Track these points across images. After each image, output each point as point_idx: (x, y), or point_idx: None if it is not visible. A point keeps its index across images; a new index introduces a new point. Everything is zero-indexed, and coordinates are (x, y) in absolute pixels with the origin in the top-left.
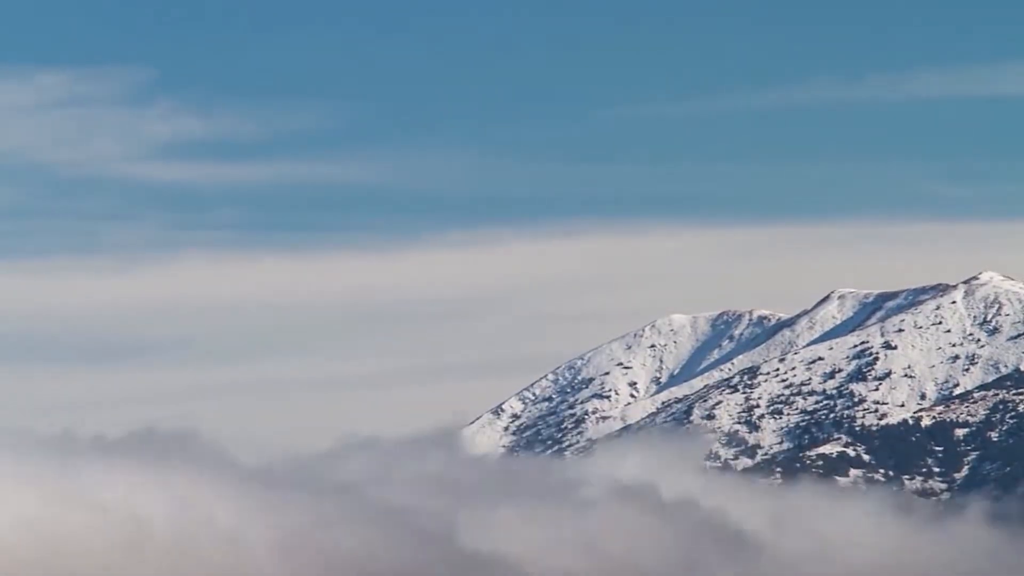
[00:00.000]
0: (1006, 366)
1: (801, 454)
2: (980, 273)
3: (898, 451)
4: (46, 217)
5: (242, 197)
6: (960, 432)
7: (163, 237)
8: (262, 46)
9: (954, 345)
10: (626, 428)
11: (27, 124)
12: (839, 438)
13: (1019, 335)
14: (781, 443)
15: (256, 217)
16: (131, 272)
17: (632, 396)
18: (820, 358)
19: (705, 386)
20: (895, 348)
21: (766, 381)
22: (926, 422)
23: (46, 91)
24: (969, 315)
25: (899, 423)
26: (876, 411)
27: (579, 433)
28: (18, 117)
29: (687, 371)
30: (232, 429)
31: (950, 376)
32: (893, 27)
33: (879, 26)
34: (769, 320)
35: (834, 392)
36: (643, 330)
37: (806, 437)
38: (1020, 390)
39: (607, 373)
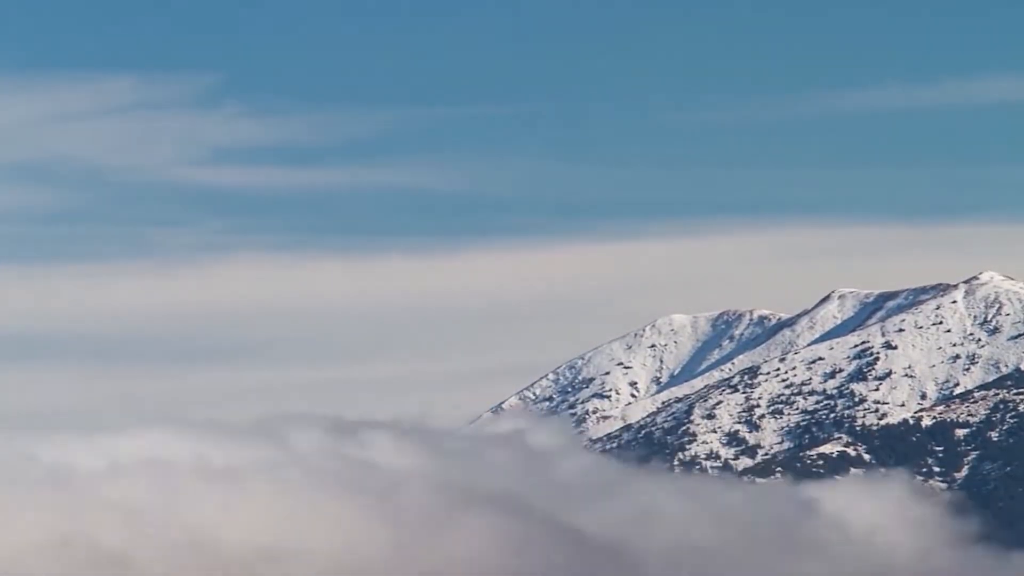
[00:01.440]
0: (1006, 366)
1: (801, 454)
2: (980, 273)
3: (898, 451)
4: (107, 222)
5: (298, 201)
6: (960, 432)
7: (218, 241)
8: (327, 52)
9: (954, 345)
10: (627, 428)
11: (92, 129)
12: (839, 438)
13: (1019, 335)
14: (781, 443)
15: (311, 221)
16: (185, 275)
17: (632, 396)
18: (820, 358)
19: (705, 386)
20: (895, 348)
21: (766, 381)
22: (926, 422)
23: (112, 96)
24: (969, 315)
25: (899, 423)
26: (876, 411)
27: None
28: (84, 122)
29: (687, 371)
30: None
31: (950, 376)
32: (895, 38)
33: (885, 36)
34: (769, 320)
35: (835, 392)
36: (643, 330)
37: (807, 437)
38: (1020, 390)
39: (607, 373)
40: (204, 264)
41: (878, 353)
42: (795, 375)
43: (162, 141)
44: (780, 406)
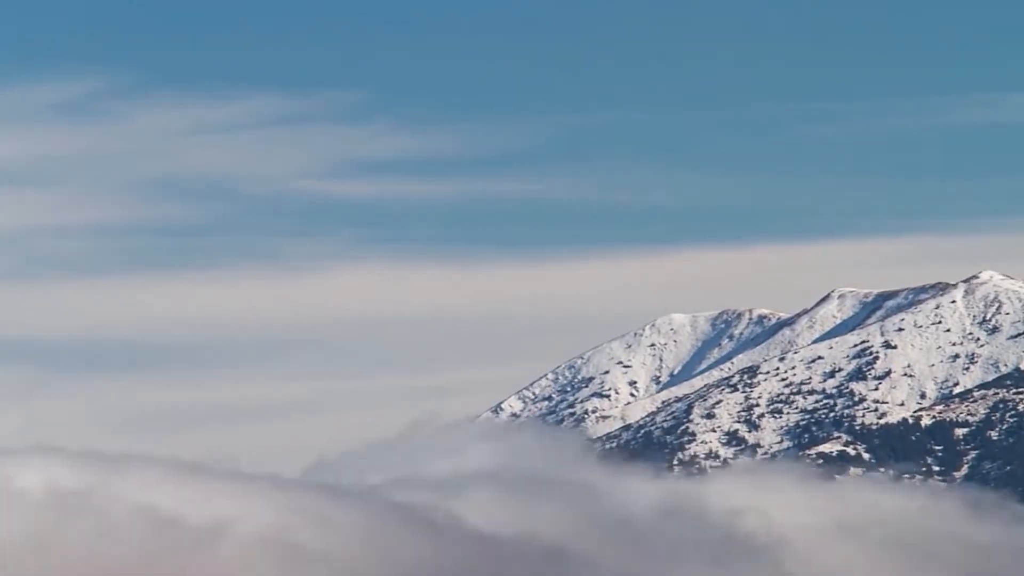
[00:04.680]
0: (1006, 365)
1: (801, 453)
2: (980, 272)
3: (898, 450)
4: (242, 232)
5: (430, 213)
6: (960, 431)
7: (352, 251)
8: (472, 65)
9: (954, 344)
10: (626, 427)
11: (235, 142)
12: (839, 437)
13: (1019, 334)
14: (781, 442)
15: (439, 232)
16: (314, 283)
17: (632, 395)
18: (820, 357)
19: (705, 385)
20: (895, 347)
21: (766, 380)
22: (926, 421)
23: (256, 111)
24: (969, 314)
25: (899, 422)
26: (876, 410)
27: (579, 432)
28: (231, 135)
29: (687, 370)
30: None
31: (950, 375)
32: (906, 50)
33: (893, 50)
34: (769, 319)
35: (834, 391)
36: (643, 329)
37: (806, 436)
38: (1020, 389)
39: (607, 372)
40: (333, 272)
41: (877, 352)
42: (795, 374)
43: (303, 153)
44: (780, 405)
